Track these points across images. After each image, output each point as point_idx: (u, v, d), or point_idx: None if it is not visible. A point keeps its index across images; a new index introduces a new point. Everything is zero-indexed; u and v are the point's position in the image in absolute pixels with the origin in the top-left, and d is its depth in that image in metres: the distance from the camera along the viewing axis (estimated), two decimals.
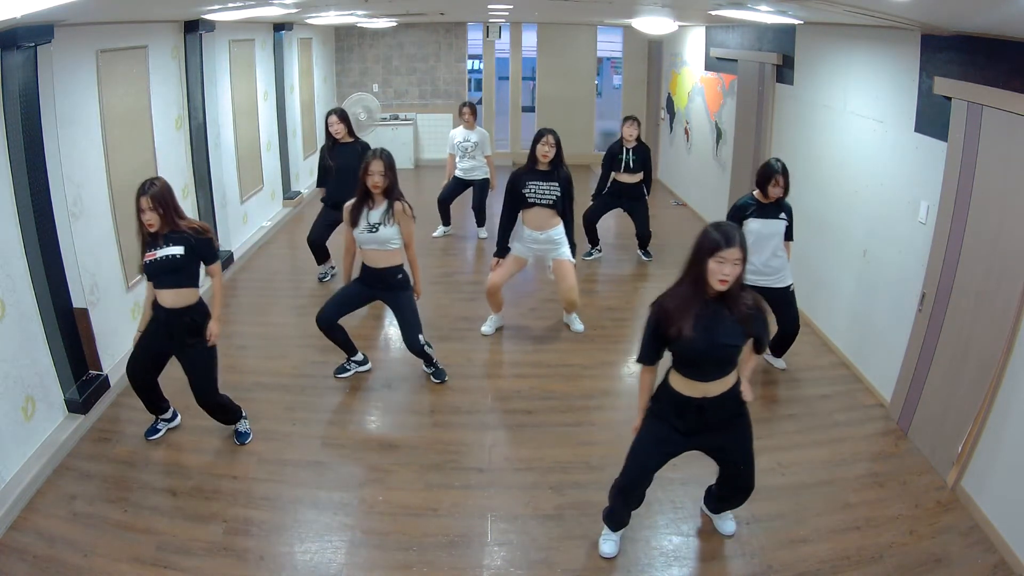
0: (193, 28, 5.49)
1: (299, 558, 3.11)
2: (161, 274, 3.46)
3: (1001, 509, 3.18)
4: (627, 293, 6.18)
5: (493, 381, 4.65)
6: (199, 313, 3.57)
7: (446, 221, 7.52)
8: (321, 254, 6.12)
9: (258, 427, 4.01)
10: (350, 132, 5.79)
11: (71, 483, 3.53)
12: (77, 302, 4.02)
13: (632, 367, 4.90)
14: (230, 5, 4.60)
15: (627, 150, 6.44)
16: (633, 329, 5.53)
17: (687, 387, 2.75)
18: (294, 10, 5.87)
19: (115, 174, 4.55)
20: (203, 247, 3.50)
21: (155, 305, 3.55)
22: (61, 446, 3.69)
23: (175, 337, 3.55)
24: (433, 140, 11.17)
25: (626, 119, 6.56)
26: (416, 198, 8.87)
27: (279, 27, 7.84)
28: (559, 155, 4.77)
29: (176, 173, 5.51)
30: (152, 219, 3.39)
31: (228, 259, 6.34)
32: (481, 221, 7.51)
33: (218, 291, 3.70)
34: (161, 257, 3.42)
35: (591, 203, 6.75)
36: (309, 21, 8.25)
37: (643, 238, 6.77)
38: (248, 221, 7.19)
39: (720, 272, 2.56)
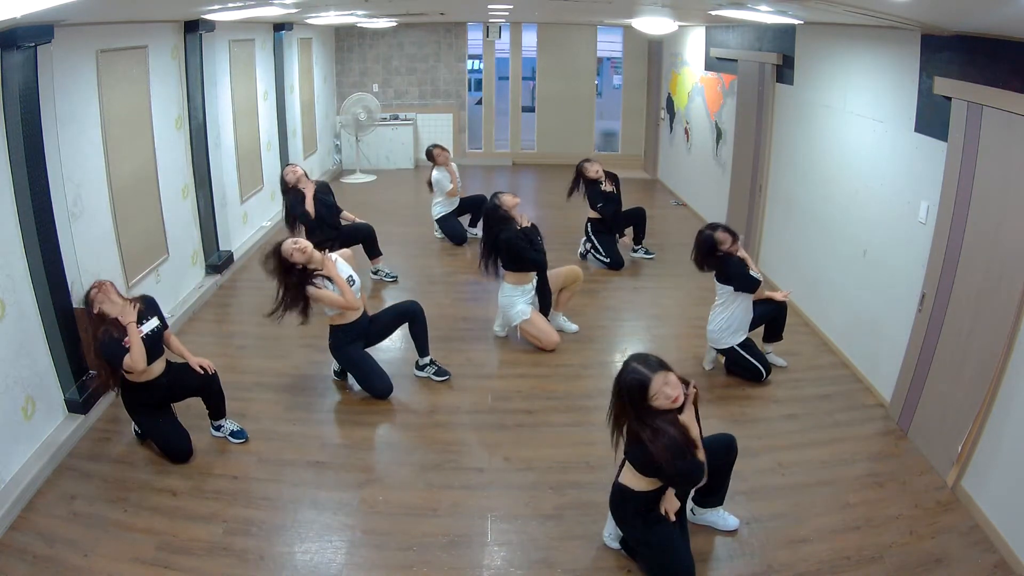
0: (193, 28, 5.48)
1: (299, 558, 3.11)
2: (152, 349, 3.60)
3: (1001, 509, 3.18)
4: (626, 293, 6.18)
5: (493, 381, 4.65)
6: (175, 364, 3.80)
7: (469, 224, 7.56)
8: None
9: (258, 427, 4.01)
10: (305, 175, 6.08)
11: (71, 483, 3.53)
12: (77, 302, 4.01)
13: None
14: (230, 5, 4.60)
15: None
16: (633, 329, 5.54)
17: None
18: (294, 10, 5.87)
19: (115, 174, 4.55)
20: (158, 308, 3.77)
21: (149, 384, 3.66)
22: (61, 446, 3.69)
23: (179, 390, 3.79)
24: (433, 140, 11.15)
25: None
26: (416, 198, 8.89)
27: (279, 27, 7.84)
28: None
29: (176, 173, 5.51)
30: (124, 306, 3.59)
31: (228, 259, 6.34)
32: (475, 222, 7.52)
33: (176, 342, 3.91)
34: (148, 332, 3.60)
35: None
36: (309, 21, 8.25)
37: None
38: (248, 221, 7.19)
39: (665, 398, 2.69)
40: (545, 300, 5.03)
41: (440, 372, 4.59)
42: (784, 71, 5.88)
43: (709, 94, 8.07)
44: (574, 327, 5.29)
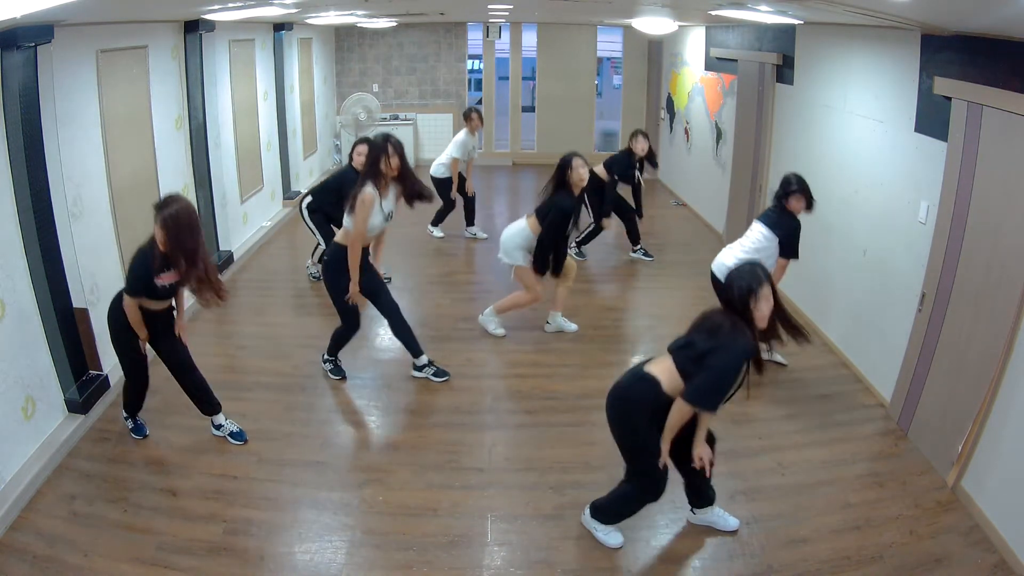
0: (193, 28, 5.48)
1: (299, 558, 3.11)
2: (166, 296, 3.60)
3: (1001, 509, 3.18)
4: (626, 293, 6.18)
5: (493, 381, 4.65)
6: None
7: (472, 220, 7.49)
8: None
9: (258, 427, 4.01)
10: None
11: (71, 483, 3.53)
12: (77, 302, 4.02)
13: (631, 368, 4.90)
14: (230, 5, 4.60)
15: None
16: (632, 329, 5.54)
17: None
18: (294, 10, 5.87)
19: (115, 174, 4.54)
20: None
21: (149, 313, 3.59)
22: (61, 446, 3.69)
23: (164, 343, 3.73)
24: (433, 140, 11.17)
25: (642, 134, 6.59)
26: None
27: (279, 27, 7.84)
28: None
29: (176, 173, 5.51)
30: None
31: (228, 259, 6.34)
32: (472, 220, 7.52)
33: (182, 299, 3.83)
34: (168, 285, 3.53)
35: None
36: (309, 21, 8.25)
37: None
38: (248, 221, 7.19)
39: (760, 312, 2.72)
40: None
41: (439, 373, 4.59)
42: (784, 71, 5.88)
43: (709, 94, 8.07)
44: (573, 327, 5.29)
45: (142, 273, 3.40)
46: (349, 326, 4.45)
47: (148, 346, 3.69)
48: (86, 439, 3.89)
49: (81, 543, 3.11)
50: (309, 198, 5.82)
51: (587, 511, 3.24)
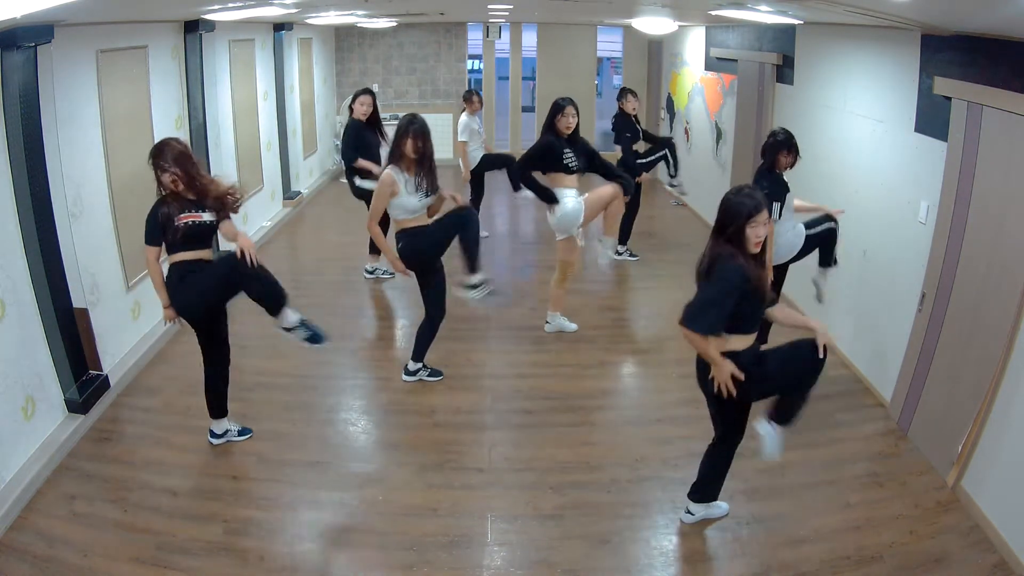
0: (193, 28, 5.48)
1: (299, 558, 3.11)
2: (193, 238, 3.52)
3: (1001, 509, 3.18)
4: (626, 293, 6.18)
5: (493, 381, 4.65)
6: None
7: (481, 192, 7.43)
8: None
9: (258, 427, 4.01)
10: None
11: (71, 483, 3.53)
12: (77, 302, 4.01)
13: (630, 367, 4.91)
14: (230, 5, 4.60)
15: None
16: (633, 329, 5.53)
17: (745, 342, 2.90)
18: (294, 10, 5.87)
19: (115, 174, 4.55)
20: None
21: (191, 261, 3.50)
22: (61, 446, 3.69)
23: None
24: (433, 140, 11.15)
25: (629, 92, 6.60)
26: None
27: (279, 27, 7.84)
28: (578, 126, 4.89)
29: None
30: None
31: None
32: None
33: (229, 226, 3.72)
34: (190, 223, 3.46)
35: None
36: (309, 21, 8.25)
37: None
38: (248, 221, 7.18)
39: (756, 236, 2.77)
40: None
41: (434, 373, 4.58)
42: (784, 71, 5.88)
43: (709, 94, 8.07)
44: (573, 326, 5.28)
45: (151, 219, 3.38)
46: (431, 316, 4.40)
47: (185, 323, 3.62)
48: (86, 439, 3.89)
49: (81, 543, 3.11)
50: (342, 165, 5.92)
51: (690, 507, 3.29)
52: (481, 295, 4.35)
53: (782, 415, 3.07)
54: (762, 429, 3.13)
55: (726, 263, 2.78)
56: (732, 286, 2.76)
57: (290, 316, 3.59)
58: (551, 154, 4.80)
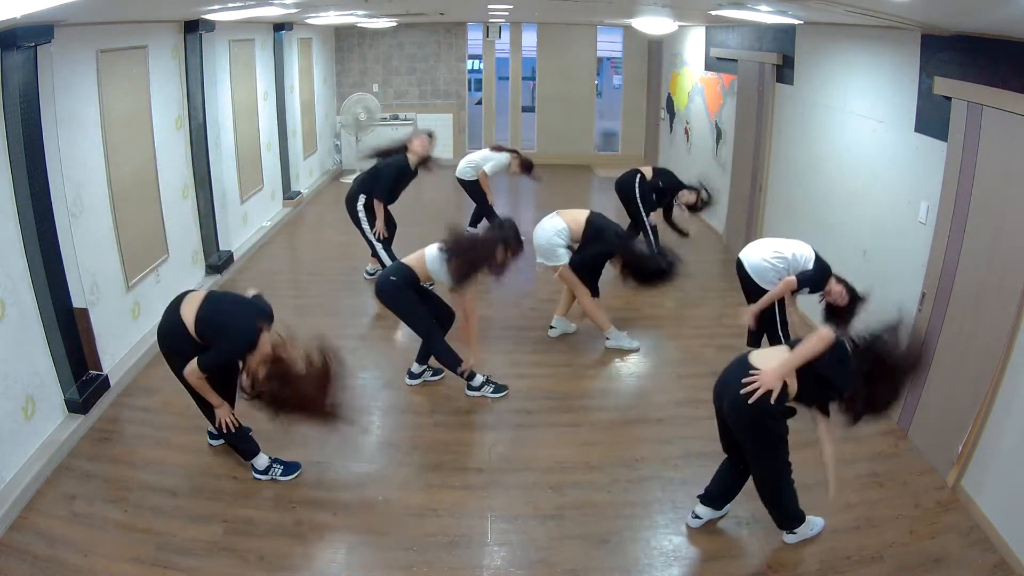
0: (193, 28, 5.48)
1: (299, 558, 3.11)
2: None
3: (1001, 509, 3.18)
4: (626, 293, 6.17)
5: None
6: None
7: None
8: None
9: (258, 427, 4.00)
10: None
11: (71, 483, 3.53)
12: (77, 302, 4.01)
13: (630, 367, 4.90)
14: (230, 5, 4.60)
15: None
16: (633, 329, 5.53)
17: None
18: (294, 10, 5.87)
19: (115, 174, 4.54)
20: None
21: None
22: (61, 446, 3.69)
23: None
24: (433, 140, 11.16)
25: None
26: (417, 196, 8.88)
27: (279, 27, 7.84)
28: None
29: (176, 173, 5.50)
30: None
31: (228, 259, 6.34)
32: (476, 223, 7.49)
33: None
34: None
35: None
36: (309, 21, 8.25)
37: None
38: (248, 221, 7.19)
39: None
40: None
41: (436, 372, 4.59)
42: (784, 71, 5.88)
43: (709, 94, 8.07)
44: (573, 326, 5.28)
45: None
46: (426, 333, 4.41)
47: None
48: (86, 439, 3.88)
49: (81, 543, 3.11)
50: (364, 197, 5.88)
51: (785, 536, 3.19)
52: (492, 392, 4.40)
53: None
54: (699, 510, 3.26)
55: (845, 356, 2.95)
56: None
57: (260, 461, 3.64)
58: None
